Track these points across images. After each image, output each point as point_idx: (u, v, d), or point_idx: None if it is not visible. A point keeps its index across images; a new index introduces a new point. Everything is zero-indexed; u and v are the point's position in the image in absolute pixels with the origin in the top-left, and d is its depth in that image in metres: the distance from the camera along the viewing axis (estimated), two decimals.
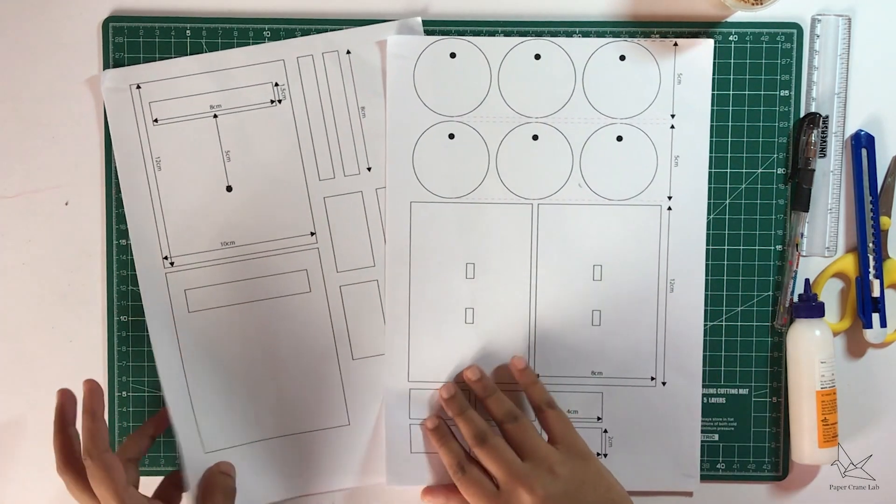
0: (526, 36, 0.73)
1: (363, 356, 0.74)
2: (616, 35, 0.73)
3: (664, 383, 0.73)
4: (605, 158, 0.73)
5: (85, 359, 0.75)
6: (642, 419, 0.73)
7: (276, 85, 0.73)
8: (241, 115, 0.73)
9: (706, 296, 0.74)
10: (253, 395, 0.73)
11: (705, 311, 0.74)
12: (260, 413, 0.74)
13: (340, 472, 0.74)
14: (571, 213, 0.73)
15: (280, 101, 0.73)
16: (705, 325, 0.74)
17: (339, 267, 0.74)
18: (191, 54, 0.74)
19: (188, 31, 0.74)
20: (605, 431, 0.73)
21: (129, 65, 0.74)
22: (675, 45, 0.73)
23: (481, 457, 0.68)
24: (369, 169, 0.73)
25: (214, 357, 0.73)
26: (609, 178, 0.73)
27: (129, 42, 0.74)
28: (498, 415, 0.70)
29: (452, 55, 0.73)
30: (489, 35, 0.73)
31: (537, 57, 0.73)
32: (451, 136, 0.73)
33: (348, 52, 0.73)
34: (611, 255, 0.73)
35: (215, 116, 0.73)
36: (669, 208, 0.73)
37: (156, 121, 0.73)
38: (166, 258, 0.73)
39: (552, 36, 0.73)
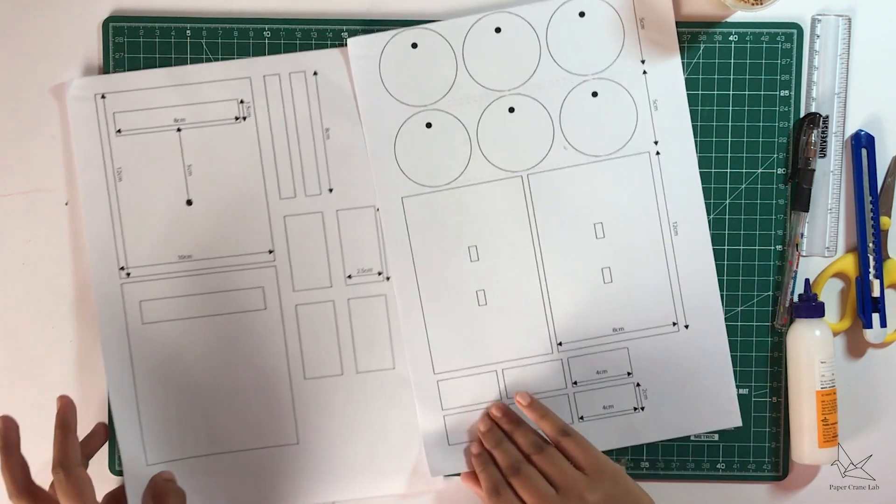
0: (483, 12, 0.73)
1: (315, 376, 0.74)
2: None
3: (687, 326, 0.73)
4: (584, 117, 0.73)
5: (85, 359, 0.75)
6: (672, 366, 0.73)
7: (242, 102, 0.73)
8: (205, 130, 0.73)
9: None
10: (201, 409, 0.73)
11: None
12: (207, 428, 0.73)
13: (287, 491, 0.74)
14: (562, 176, 0.73)
15: (245, 119, 0.73)
16: None
17: (295, 286, 0.74)
18: (190, 54, 0.74)
19: (188, 31, 0.74)
20: (638, 385, 0.73)
21: (129, 65, 0.74)
22: None
23: (516, 487, 0.68)
24: (331, 190, 0.73)
25: (165, 369, 0.73)
26: (592, 135, 0.73)
27: (129, 42, 0.74)
28: (524, 447, 0.70)
29: (414, 45, 0.73)
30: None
31: (497, 30, 0.73)
32: (429, 125, 0.73)
33: (315, 74, 0.73)
34: (609, 210, 0.73)
35: (179, 130, 0.73)
36: (658, 153, 0.73)
37: (119, 131, 0.73)
38: (122, 268, 0.73)
39: None
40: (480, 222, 0.73)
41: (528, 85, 0.73)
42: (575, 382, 0.74)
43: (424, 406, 0.74)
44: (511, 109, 0.73)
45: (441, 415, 0.74)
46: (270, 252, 0.74)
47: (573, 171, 0.73)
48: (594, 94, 0.73)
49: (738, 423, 0.74)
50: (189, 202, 0.73)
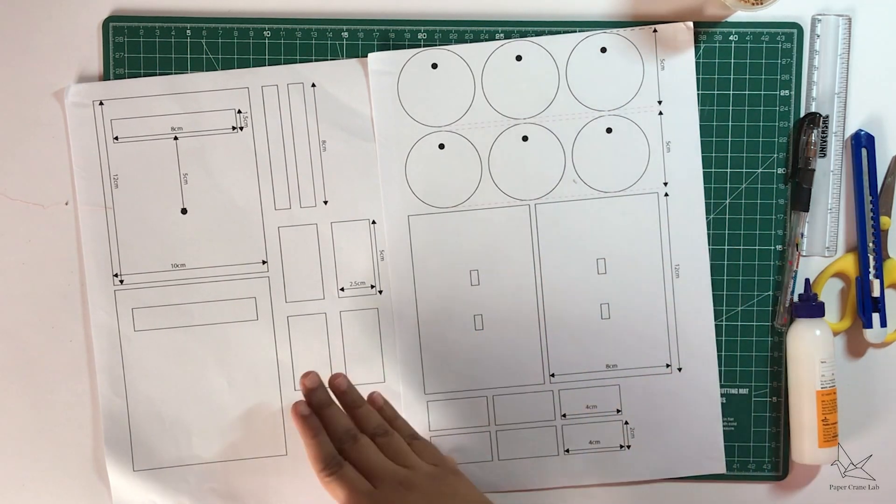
0: (511, 37, 0.73)
1: None
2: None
3: (680, 369, 0.73)
4: (596, 152, 0.73)
5: (85, 359, 0.75)
6: (661, 407, 0.73)
7: (239, 112, 0.73)
8: (202, 139, 0.73)
9: None
10: (191, 418, 0.74)
11: None
12: (196, 436, 0.74)
13: (275, 502, 0.74)
14: (569, 209, 0.73)
15: (242, 129, 0.73)
16: None
17: (287, 297, 0.74)
18: (191, 54, 0.74)
19: (188, 31, 0.74)
20: (626, 423, 0.74)
21: (129, 65, 0.74)
22: (655, 31, 0.73)
23: (353, 454, 0.65)
24: (326, 202, 0.73)
25: (156, 377, 0.73)
26: (603, 170, 0.73)
27: (129, 42, 0.74)
28: (368, 428, 0.67)
29: (434, 66, 0.73)
30: (472, 40, 0.73)
31: (518, 58, 0.73)
32: (442, 147, 0.73)
33: (313, 86, 0.73)
34: (613, 247, 0.73)
35: (176, 139, 0.73)
36: (666, 195, 0.73)
37: (116, 138, 0.73)
38: (116, 275, 0.73)
39: (538, 35, 0.73)
40: (484, 247, 0.73)
41: (543, 115, 0.73)
42: (564, 415, 0.74)
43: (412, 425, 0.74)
44: (525, 138, 0.73)
45: (428, 436, 0.74)
46: (264, 262, 0.74)
47: (581, 205, 0.73)
48: (608, 131, 0.73)
49: (723, 469, 0.74)
50: (184, 211, 0.73)
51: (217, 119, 0.73)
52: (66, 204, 0.75)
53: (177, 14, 0.74)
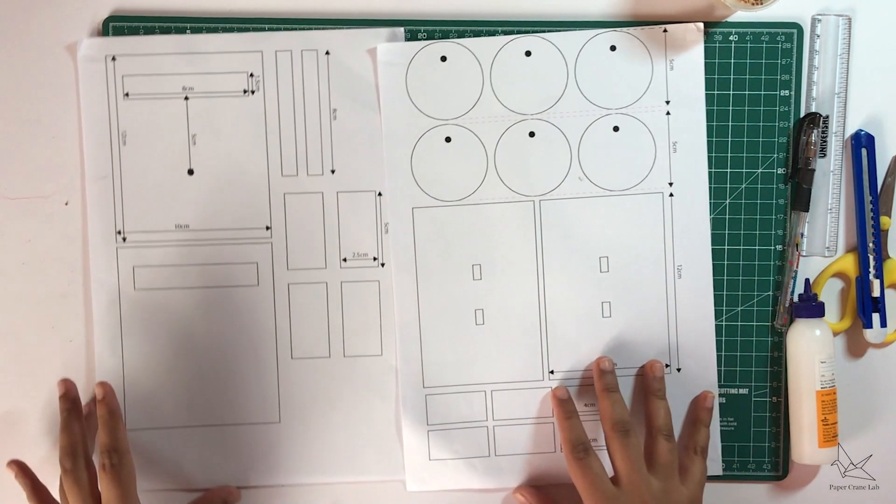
0: (516, 34, 0.73)
1: (302, 356, 0.74)
2: None
3: (679, 369, 0.73)
4: (603, 150, 0.73)
5: (85, 359, 0.75)
6: None
7: (252, 76, 0.73)
8: (213, 101, 0.73)
9: None
10: (186, 380, 0.73)
11: None
12: (190, 399, 0.73)
13: (264, 469, 0.74)
14: (573, 206, 0.73)
15: (253, 92, 0.73)
16: None
17: (290, 265, 0.73)
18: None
19: (188, 31, 0.74)
20: None
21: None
22: (665, 31, 0.73)
23: (617, 448, 0.68)
24: (333, 171, 0.73)
25: (154, 337, 0.73)
26: (608, 169, 0.73)
27: None
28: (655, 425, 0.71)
29: (443, 58, 0.73)
30: (478, 35, 0.73)
31: (528, 54, 0.73)
32: (448, 140, 0.73)
33: (327, 53, 0.73)
34: (616, 245, 0.73)
35: (186, 98, 0.73)
36: (671, 195, 0.73)
37: (126, 95, 0.73)
38: (119, 233, 0.73)
39: (543, 32, 0.73)
40: (487, 242, 0.73)
41: (551, 112, 0.73)
42: None
43: (410, 419, 0.74)
44: (531, 134, 0.73)
45: (426, 430, 0.74)
46: (268, 228, 0.73)
47: (585, 203, 0.73)
48: (615, 129, 0.73)
49: (719, 471, 0.74)
50: (191, 172, 0.73)
51: (229, 81, 0.73)
52: (66, 204, 0.75)
53: (177, 14, 0.74)
